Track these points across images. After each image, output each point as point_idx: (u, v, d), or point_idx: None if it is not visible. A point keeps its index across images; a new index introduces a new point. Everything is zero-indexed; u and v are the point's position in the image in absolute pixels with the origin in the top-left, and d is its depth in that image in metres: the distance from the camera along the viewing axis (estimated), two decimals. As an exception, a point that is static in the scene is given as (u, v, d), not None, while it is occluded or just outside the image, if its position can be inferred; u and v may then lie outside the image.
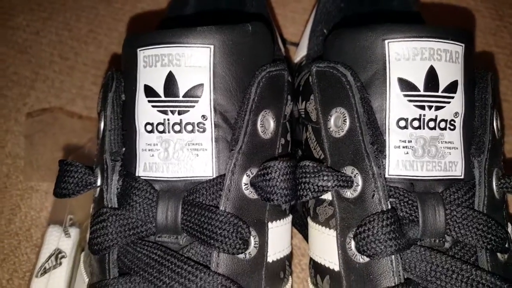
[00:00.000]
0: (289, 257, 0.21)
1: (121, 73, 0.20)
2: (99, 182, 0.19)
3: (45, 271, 0.22)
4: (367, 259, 0.17)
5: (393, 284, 0.16)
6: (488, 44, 0.42)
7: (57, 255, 0.23)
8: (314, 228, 0.20)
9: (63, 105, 0.38)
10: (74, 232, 0.24)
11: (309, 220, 0.21)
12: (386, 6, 0.27)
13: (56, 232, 0.24)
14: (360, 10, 0.28)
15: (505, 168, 0.20)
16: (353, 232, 0.17)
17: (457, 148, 0.18)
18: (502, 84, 0.39)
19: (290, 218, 0.21)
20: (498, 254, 0.17)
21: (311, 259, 0.20)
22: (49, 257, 0.23)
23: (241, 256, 0.18)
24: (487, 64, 0.40)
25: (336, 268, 0.18)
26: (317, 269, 0.20)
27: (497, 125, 0.19)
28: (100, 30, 0.45)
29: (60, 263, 0.23)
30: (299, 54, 0.28)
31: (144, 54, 0.18)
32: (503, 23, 0.44)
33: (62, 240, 0.23)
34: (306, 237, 0.22)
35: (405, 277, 0.16)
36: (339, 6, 0.27)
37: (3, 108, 0.39)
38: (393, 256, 0.16)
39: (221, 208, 0.18)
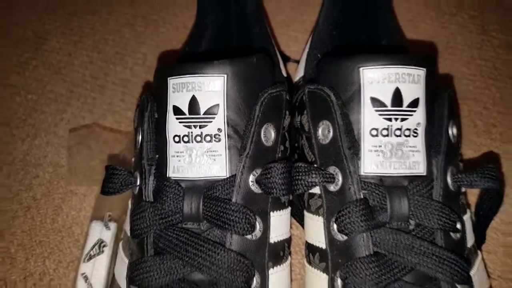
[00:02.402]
0: (288, 241, 0.25)
1: (153, 96, 0.25)
2: (138, 182, 0.24)
3: (90, 257, 0.27)
4: (345, 237, 0.21)
5: (364, 255, 0.21)
6: (473, 57, 0.46)
7: (100, 244, 0.28)
8: (308, 217, 0.25)
9: (96, 120, 0.43)
10: (113, 226, 0.29)
11: (305, 211, 0.25)
12: (372, 34, 0.32)
13: (98, 226, 0.29)
14: (349, 38, 0.32)
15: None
16: (335, 217, 0.22)
17: (419, 151, 0.22)
18: (484, 94, 0.43)
19: (289, 209, 0.26)
20: (451, 233, 0.22)
21: (306, 242, 0.25)
22: (93, 246, 0.28)
23: (249, 237, 0.22)
24: (471, 76, 0.44)
25: (324, 247, 0.23)
26: (310, 249, 0.24)
27: (452, 133, 0.23)
28: (126, 52, 0.50)
29: (103, 251, 0.28)
30: (298, 74, 0.33)
31: (173, 82, 0.23)
32: (487, 37, 0.48)
33: (103, 232, 0.28)
34: (303, 225, 0.27)
35: (374, 250, 0.21)
36: (331, 34, 0.32)
37: (43, 123, 0.44)
38: (364, 234, 0.21)
39: (233, 200, 0.22)
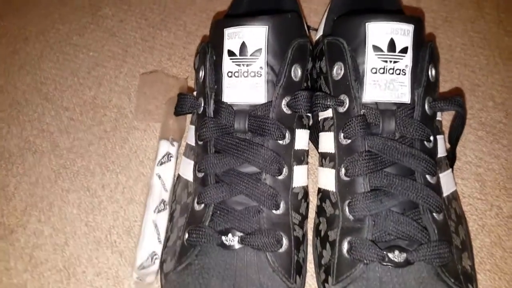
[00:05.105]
0: (307, 151, 0.34)
1: (211, 44, 0.34)
2: (202, 104, 0.33)
3: (161, 164, 0.37)
4: (348, 141, 0.30)
5: (360, 152, 0.30)
6: (467, 30, 0.53)
7: (168, 155, 0.37)
8: (322, 135, 0.33)
9: (149, 74, 0.52)
10: (176, 144, 0.39)
11: (320, 133, 0.34)
12: (376, 2, 0.40)
13: (165, 143, 0.38)
14: (358, 6, 0.41)
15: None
16: (342, 128, 0.31)
17: (406, 86, 0.31)
18: (473, 60, 0.50)
19: (308, 131, 0.34)
20: (425, 142, 0.30)
21: (319, 152, 0.34)
22: (163, 156, 0.37)
23: (280, 142, 0.31)
24: (463, 45, 0.52)
25: (333, 151, 0.31)
26: (323, 156, 0.33)
27: (431, 73, 0.31)
28: (169, 19, 0.59)
29: (170, 160, 0.37)
30: (318, 34, 0.41)
31: (228, 32, 0.32)
32: (481, 13, 0.55)
33: (170, 147, 0.38)
34: (316, 146, 0.36)
35: (367, 149, 0.30)
36: (345, 3, 0.40)
37: (105, 75, 0.52)
38: (361, 139, 0.29)
39: (270, 117, 0.31)
